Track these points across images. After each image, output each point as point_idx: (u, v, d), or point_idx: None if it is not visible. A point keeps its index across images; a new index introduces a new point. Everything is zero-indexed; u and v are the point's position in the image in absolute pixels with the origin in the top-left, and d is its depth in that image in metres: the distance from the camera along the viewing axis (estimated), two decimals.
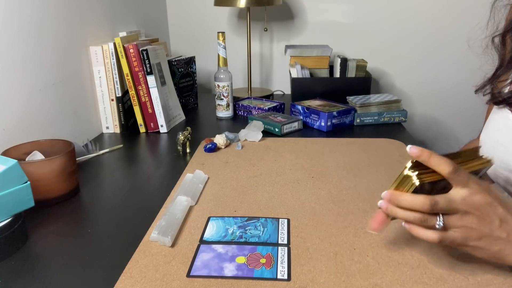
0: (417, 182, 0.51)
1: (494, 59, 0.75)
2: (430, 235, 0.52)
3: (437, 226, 0.51)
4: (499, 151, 0.69)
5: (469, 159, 0.55)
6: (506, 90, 0.72)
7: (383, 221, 0.55)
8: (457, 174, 0.50)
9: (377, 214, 0.56)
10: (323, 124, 1.19)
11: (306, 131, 1.20)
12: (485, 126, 0.77)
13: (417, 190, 0.52)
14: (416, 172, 0.52)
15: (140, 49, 1.16)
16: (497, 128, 0.72)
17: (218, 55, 1.31)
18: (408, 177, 0.52)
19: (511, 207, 0.52)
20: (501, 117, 0.72)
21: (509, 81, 0.73)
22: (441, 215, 0.51)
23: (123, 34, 1.25)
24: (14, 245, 0.63)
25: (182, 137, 1.03)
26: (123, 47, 1.15)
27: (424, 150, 0.51)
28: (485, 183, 0.53)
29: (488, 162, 0.57)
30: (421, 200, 0.50)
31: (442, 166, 0.50)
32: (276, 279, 0.56)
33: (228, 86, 1.31)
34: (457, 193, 0.50)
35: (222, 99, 1.33)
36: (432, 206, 0.50)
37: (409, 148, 0.51)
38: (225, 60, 1.31)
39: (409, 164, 0.53)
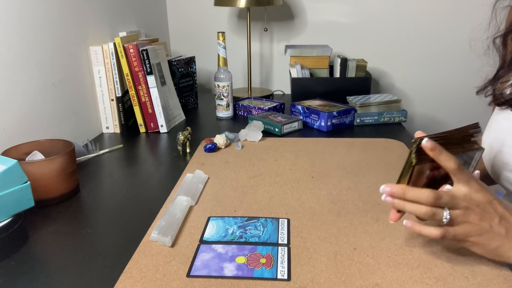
0: (414, 161, 0.53)
1: (496, 60, 0.75)
2: (433, 231, 0.53)
3: (444, 220, 0.52)
4: (502, 152, 0.69)
5: (459, 140, 0.56)
6: (508, 91, 0.72)
7: (399, 213, 0.59)
8: (461, 172, 0.52)
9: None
10: (323, 124, 1.19)
11: (306, 131, 1.20)
12: (487, 126, 0.77)
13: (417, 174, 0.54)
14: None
15: (140, 49, 1.16)
16: (500, 129, 0.72)
17: (218, 55, 1.31)
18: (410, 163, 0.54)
19: (509, 206, 0.55)
20: (503, 118, 0.72)
21: (510, 82, 0.73)
22: (447, 209, 0.52)
23: (123, 34, 1.25)
24: (14, 245, 0.63)
25: (182, 137, 1.03)
26: (123, 47, 1.15)
27: (437, 146, 0.52)
28: (484, 184, 0.55)
29: (479, 148, 0.58)
30: (426, 194, 0.52)
31: (449, 162, 0.52)
32: (276, 279, 0.56)
33: (228, 86, 1.31)
34: (459, 190, 0.53)
35: (222, 99, 1.33)
36: (436, 200, 0.52)
37: (425, 141, 0.52)
38: (225, 60, 1.31)
39: (413, 154, 0.54)
